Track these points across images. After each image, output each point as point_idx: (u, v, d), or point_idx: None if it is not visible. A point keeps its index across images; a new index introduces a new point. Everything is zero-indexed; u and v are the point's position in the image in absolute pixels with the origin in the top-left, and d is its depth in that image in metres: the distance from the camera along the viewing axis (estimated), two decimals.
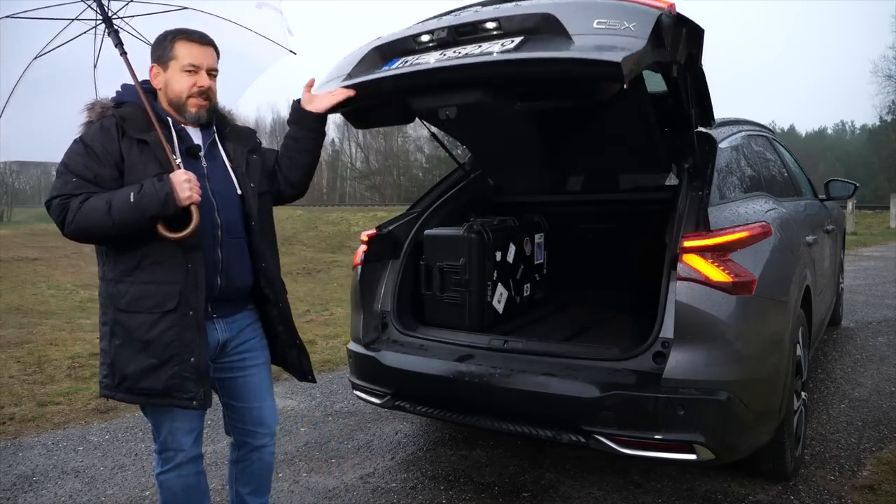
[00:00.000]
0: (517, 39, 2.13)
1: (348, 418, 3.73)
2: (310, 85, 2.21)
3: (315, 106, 2.17)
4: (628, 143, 3.09)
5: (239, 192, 1.98)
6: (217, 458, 3.13)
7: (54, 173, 1.89)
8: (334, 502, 2.73)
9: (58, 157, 1.87)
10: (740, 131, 3.33)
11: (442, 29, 2.33)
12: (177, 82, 1.91)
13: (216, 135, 2.01)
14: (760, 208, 2.79)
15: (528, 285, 3.57)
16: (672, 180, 3.32)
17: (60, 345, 5.84)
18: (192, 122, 1.95)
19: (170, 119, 1.92)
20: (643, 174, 3.49)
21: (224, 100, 2.11)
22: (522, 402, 2.44)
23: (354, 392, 3.04)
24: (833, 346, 4.94)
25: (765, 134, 3.95)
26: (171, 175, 1.77)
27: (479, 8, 2.46)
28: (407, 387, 2.79)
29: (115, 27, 2.12)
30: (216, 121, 2.03)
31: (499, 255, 3.27)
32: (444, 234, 3.23)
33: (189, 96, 1.91)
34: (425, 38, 2.38)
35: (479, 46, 2.21)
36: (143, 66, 1.97)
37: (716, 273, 2.22)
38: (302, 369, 2.16)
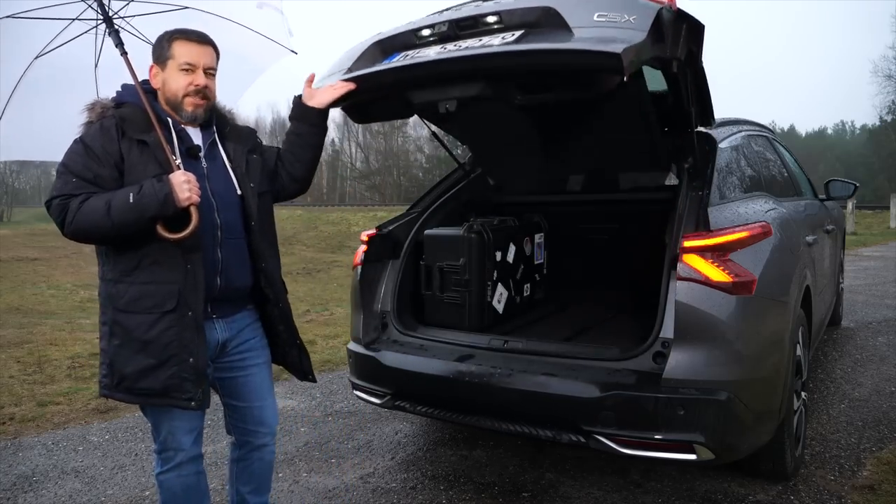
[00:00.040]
0: (518, 33, 2.14)
1: (348, 418, 3.73)
2: (310, 80, 2.22)
3: (316, 101, 2.17)
4: (628, 142, 3.09)
5: (239, 192, 1.98)
6: (217, 458, 3.13)
7: (54, 173, 1.89)
8: (334, 502, 2.73)
9: (58, 156, 1.87)
10: (740, 131, 3.33)
11: (443, 23, 2.33)
12: (174, 81, 1.91)
13: (216, 135, 2.01)
14: (760, 208, 2.79)
15: (528, 285, 3.57)
16: (672, 180, 3.32)
17: (60, 345, 5.84)
18: (188, 121, 1.94)
19: (170, 119, 1.92)
20: (643, 174, 3.49)
21: (225, 100, 2.11)
22: (522, 402, 2.44)
23: (354, 392, 3.04)
24: (833, 346, 4.94)
25: (765, 134, 3.95)
26: (171, 176, 1.76)
27: (479, 3, 2.46)
28: (407, 387, 2.79)
29: (116, 27, 2.11)
30: (216, 120, 2.03)
31: (499, 255, 3.27)
32: (444, 234, 3.23)
33: (185, 95, 1.90)
34: (426, 32, 2.38)
35: (480, 40, 2.22)
36: (146, 66, 1.97)
37: (716, 273, 2.22)
38: (302, 369, 2.16)
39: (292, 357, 2.15)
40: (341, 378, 4.49)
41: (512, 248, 3.39)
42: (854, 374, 4.23)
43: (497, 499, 2.70)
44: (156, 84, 1.95)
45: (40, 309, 9.27)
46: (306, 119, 2.16)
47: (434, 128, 3.46)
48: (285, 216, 25.80)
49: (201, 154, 1.95)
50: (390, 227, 3.24)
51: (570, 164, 3.74)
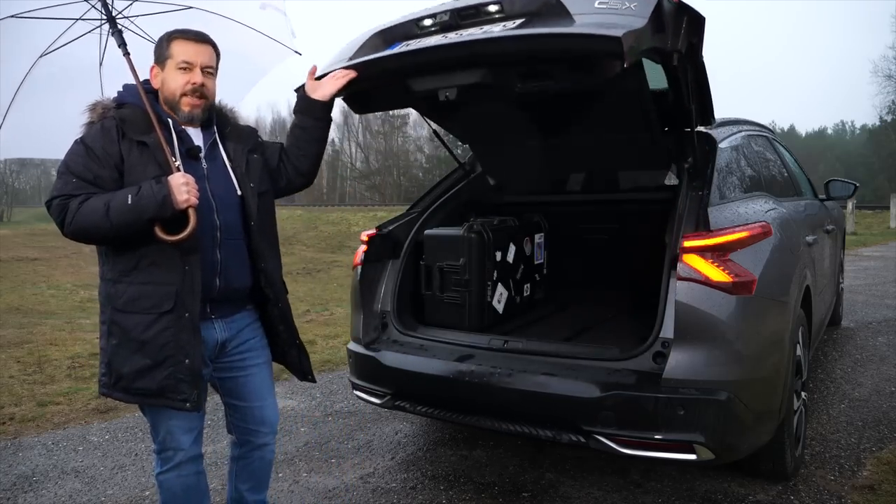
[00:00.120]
0: (519, 21, 2.15)
1: (348, 418, 3.72)
2: (312, 72, 2.21)
3: (320, 94, 2.17)
4: (629, 142, 3.09)
5: (239, 192, 1.98)
6: (217, 458, 3.13)
7: (54, 173, 1.90)
8: (334, 502, 2.73)
9: (57, 154, 1.87)
10: (740, 131, 3.33)
11: (444, 12, 2.34)
12: (172, 80, 1.91)
13: (217, 135, 2.01)
14: (760, 208, 2.79)
15: (528, 285, 3.57)
16: (672, 180, 3.32)
17: (60, 345, 5.84)
18: (186, 121, 1.94)
19: (170, 120, 1.92)
20: (643, 174, 3.49)
21: (227, 99, 2.12)
22: (522, 402, 2.44)
23: (354, 392, 3.04)
24: (833, 346, 4.94)
25: (765, 134, 3.94)
26: (170, 178, 1.77)
27: None
28: (407, 387, 2.79)
29: (119, 27, 2.12)
30: (217, 120, 2.03)
31: (499, 255, 3.27)
32: (444, 234, 3.23)
33: (182, 94, 1.90)
34: (427, 21, 2.39)
35: (482, 29, 2.22)
36: (150, 66, 1.98)
37: (716, 273, 2.22)
38: (302, 369, 2.17)
39: (292, 357, 2.15)
40: (341, 378, 4.49)
41: (512, 248, 3.39)
42: (854, 374, 4.23)
43: (497, 499, 2.70)
44: (156, 84, 1.95)
45: (40, 309, 9.26)
46: (311, 112, 2.17)
47: (435, 126, 3.46)
48: (285, 216, 25.80)
49: (201, 155, 1.95)
50: (390, 227, 3.24)
51: (571, 164, 3.74)
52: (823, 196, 4.61)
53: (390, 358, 2.83)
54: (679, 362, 2.20)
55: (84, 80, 2.28)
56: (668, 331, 2.26)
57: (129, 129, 1.85)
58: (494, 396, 2.50)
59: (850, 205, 15.61)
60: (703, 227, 2.30)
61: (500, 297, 3.28)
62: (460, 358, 2.70)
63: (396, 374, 2.79)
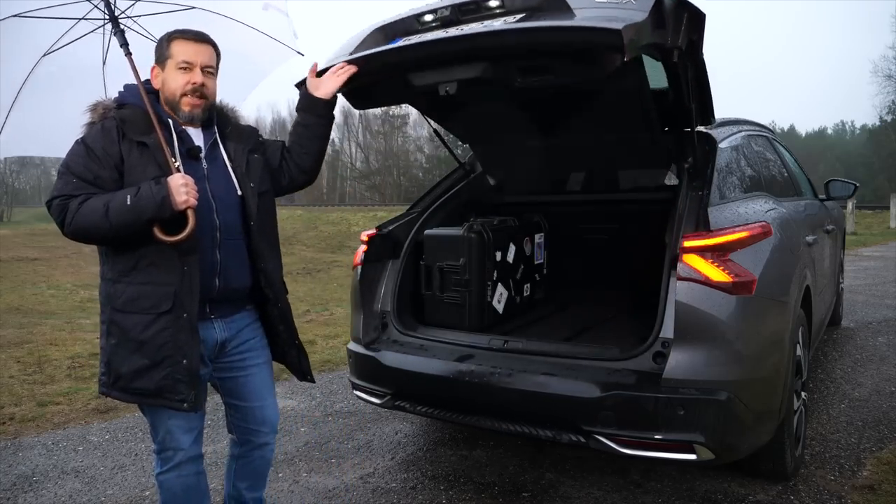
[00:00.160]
0: (519, 16, 2.15)
1: (348, 418, 3.72)
2: (313, 70, 2.21)
3: (323, 91, 2.17)
4: (629, 142, 3.09)
5: (239, 192, 1.98)
6: (217, 458, 3.13)
7: (54, 173, 1.90)
8: (334, 502, 2.73)
9: (55, 152, 1.87)
10: (740, 131, 3.33)
11: (445, 7, 2.35)
12: (172, 80, 1.91)
13: (217, 135, 2.01)
14: (760, 208, 2.79)
15: (528, 285, 3.57)
16: (672, 180, 3.32)
17: (60, 345, 5.84)
18: (186, 121, 1.95)
19: (170, 120, 1.92)
20: (643, 174, 3.49)
21: (230, 100, 2.12)
22: (522, 402, 2.44)
23: (354, 392, 3.04)
24: (833, 346, 4.94)
25: (765, 134, 3.94)
26: (169, 179, 1.77)
27: None
28: (407, 387, 2.79)
29: (122, 27, 2.12)
30: (217, 120, 2.03)
31: (499, 255, 3.27)
32: (444, 234, 3.23)
33: (182, 94, 1.91)
34: (428, 17, 2.39)
35: (483, 24, 2.23)
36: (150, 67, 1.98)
37: (716, 273, 2.22)
38: (301, 369, 2.17)
39: (291, 357, 2.16)
40: (341, 378, 4.49)
41: (512, 248, 3.39)
42: (854, 374, 4.22)
43: (497, 499, 2.70)
44: (156, 84, 1.95)
45: (40, 309, 9.26)
46: (313, 110, 2.17)
47: (435, 125, 3.46)
48: (285, 216, 25.79)
49: (202, 155, 1.95)
50: (390, 227, 3.24)
51: (571, 164, 3.74)
52: (823, 196, 4.61)
53: (390, 358, 2.83)
54: (679, 362, 2.20)
55: (83, 79, 2.28)
56: (668, 331, 2.26)
57: (130, 130, 1.85)
58: (494, 396, 2.50)
59: (850, 205, 15.61)
60: (703, 227, 2.30)
61: (500, 297, 3.28)
62: (460, 358, 2.70)
63: (396, 374, 2.79)
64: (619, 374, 2.33)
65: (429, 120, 3.40)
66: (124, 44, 2.05)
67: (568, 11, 2.04)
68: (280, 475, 2.97)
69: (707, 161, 2.69)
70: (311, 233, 24.77)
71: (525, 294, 3.54)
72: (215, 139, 2.00)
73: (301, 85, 2.31)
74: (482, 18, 2.26)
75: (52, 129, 2.13)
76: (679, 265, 2.25)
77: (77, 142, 1.86)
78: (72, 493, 2.87)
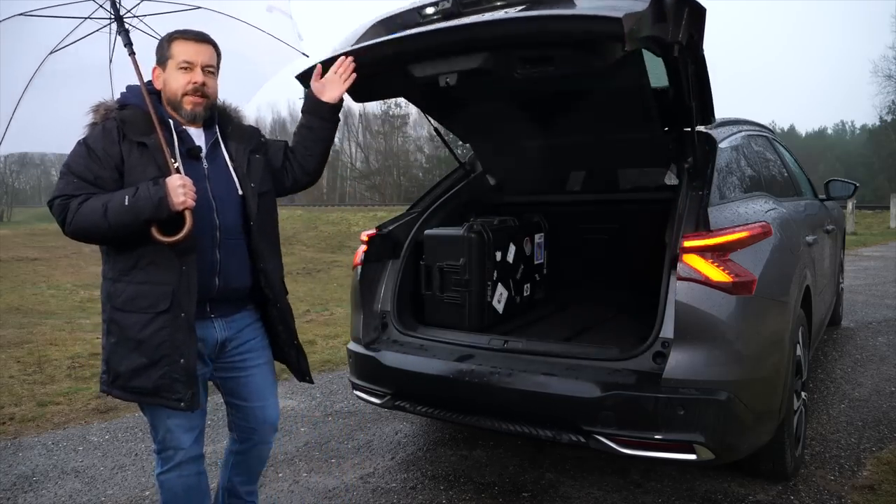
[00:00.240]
0: (520, 7, 2.15)
1: (348, 418, 3.73)
2: (318, 73, 2.20)
3: (329, 96, 2.17)
4: (629, 142, 3.08)
5: (240, 192, 1.98)
6: (217, 458, 3.12)
7: (54, 173, 1.91)
8: (334, 502, 2.73)
9: (56, 149, 1.88)
10: (740, 131, 3.33)
11: (446, 0, 2.34)
12: (173, 80, 1.92)
13: (219, 134, 2.02)
14: (760, 208, 2.79)
15: (528, 285, 3.57)
16: (672, 180, 3.32)
17: (60, 345, 5.84)
18: (189, 120, 1.95)
19: (171, 121, 1.93)
20: (643, 174, 3.49)
21: (234, 100, 2.12)
22: (522, 402, 2.44)
23: (354, 392, 3.04)
24: (833, 346, 4.94)
25: (765, 134, 3.95)
26: (167, 179, 1.77)
27: None
28: (407, 387, 2.79)
29: (127, 27, 2.12)
30: (219, 119, 2.04)
31: (499, 255, 3.27)
32: (444, 234, 3.23)
33: (184, 94, 1.91)
34: (430, 10, 2.39)
35: (483, 17, 2.23)
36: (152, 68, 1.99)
37: (716, 273, 2.22)
38: (300, 370, 2.17)
39: (290, 357, 2.16)
40: (341, 378, 4.49)
41: (512, 248, 3.39)
42: (854, 374, 4.23)
43: (497, 499, 2.70)
44: (158, 85, 1.96)
45: (40, 309, 9.26)
46: (319, 113, 2.17)
47: (436, 124, 3.46)
48: (285, 216, 25.76)
49: (202, 154, 1.96)
50: (390, 227, 3.24)
51: (571, 164, 3.74)
52: (823, 196, 4.61)
53: (390, 358, 2.83)
54: (679, 362, 2.20)
55: (87, 78, 2.28)
56: (668, 331, 2.26)
57: (129, 131, 1.86)
58: (494, 396, 2.50)
59: (850, 205, 15.61)
60: (703, 227, 2.30)
61: (500, 297, 3.29)
62: (460, 358, 2.70)
63: (396, 374, 2.79)
64: (619, 374, 2.33)
65: (429, 118, 3.40)
66: (128, 43, 2.05)
67: (569, 1, 2.05)
68: (280, 475, 2.97)
69: (707, 161, 2.69)
70: (311, 233, 24.75)
71: (525, 294, 3.54)
72: (216, 139, 2.01)
73: (302, 78, 2.31)
74: (484, 11, 2.26)
75: (55, 127, 2.14)
76: (679, 265, 2.26)
77: (79, 142, 1.88)
78: (72, 493, 2.87)
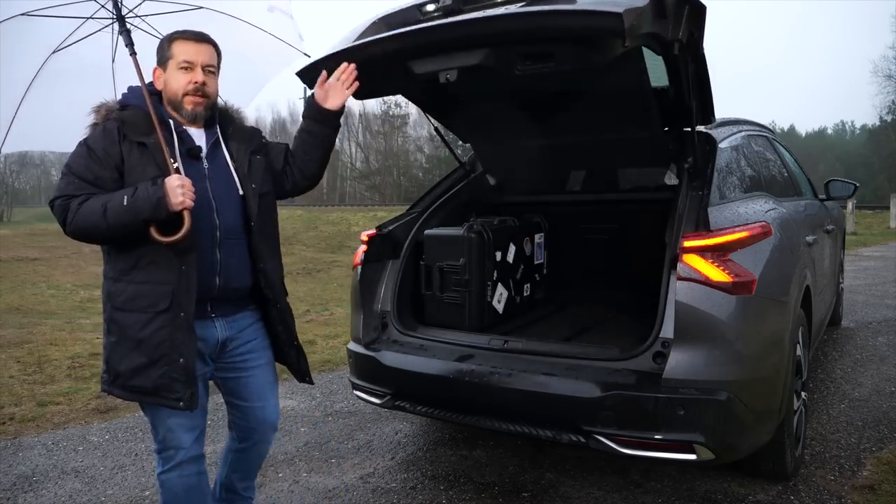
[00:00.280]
0: (520, 3, 2.16)
1: (348, 418, 3.73)
2: (323, 80, 2.20)
3: (332, 103, 2.16)
4: (629, 141, 3.08)
5: (241, 192, 1.98)
6: (217, 458, 3.12)
7: (54, 173, 1.92)
8: (334, 502, 2.73)
9: (55, 148, 1.88)
10: (740, 131, 3.33)
11: None
12: (174, 80, 1.92)
13: (219, 134, 2.02)
14: (760, 208, 2.79)
15: (528, 285, 3.57)
16: (672, 179, 3.32)
17: (60, 345, 5.84)
18: (190, 120, 1.96)
19: (171, 121, 1.93)
20: (643, 173, 3.49)
21: (235, 100, 2.12)
22: (522, 402, 2.44)
23: (354, 392, 3.04)
24: (833, 346, 4.94)
25: (765, 134, 3.95)
26: (166, 180, 1.78)
27: None
28: (407, 387, 2.79)
29: (128, 27, 2.12)
30: (220, 120, 2.04)
31: (499, 255, 3.27)
32: (444, 234, 3.23)
33: (185, 94, 1.92)
34: (430, 7, 2.39)
35: (483, 13, 2.23)
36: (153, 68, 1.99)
37: (716, 273, 2.22)
38: (300, 370, 2.18)
39: (290, 358, 2.16)
40: (341, 378, 4.49)
41: (512, 248, 3.39)
42: (854, 374, 4.23)
43: (497, 499, 2.70)
44: (159, 85, 1.97)
45: (40, 309, 9.26)
46: (320, 119, 2.16)
47: (436, 123, 3.46)
48: (285, 216, 25.75)
49: (203, 154, 1.96)
50: (390, 227, 3.24)
51: (571, 164, 3.74)
52: (823, 196, 4.61)
53: (390, 358, 2.83)
54: (679, 362, 2.20)
55: (88, 77, 2.28)
56: (668, 331, 2.26)
57: (129, 131, 1.87)
58: (494, 396, 2.50)
59: (850, 205, 15.60)
60: (703, 227, 2.30)
61: (500, 297, 3.29)
62: (460, 358, 2.70)
63: (396, 374, 2.79)
64: (619, 374, 2.33)
65: (429, 118, 3.40)
66: (129, 44, 2.05)
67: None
68: (280, 475, 2.97)
69: (707, 161, 2.69)
70: (311, 233, 24.75)
71: (525, 294, 3.54)
72: (217, 139, 2.01)
73: (303, 74, 2.30)
74: (484, 7, 2.26)
75: (56, 127, 2.14)
76: (679, 265, 2.26)
77: (80, 143, 1.89)
78: (72, 493, 2.87)
